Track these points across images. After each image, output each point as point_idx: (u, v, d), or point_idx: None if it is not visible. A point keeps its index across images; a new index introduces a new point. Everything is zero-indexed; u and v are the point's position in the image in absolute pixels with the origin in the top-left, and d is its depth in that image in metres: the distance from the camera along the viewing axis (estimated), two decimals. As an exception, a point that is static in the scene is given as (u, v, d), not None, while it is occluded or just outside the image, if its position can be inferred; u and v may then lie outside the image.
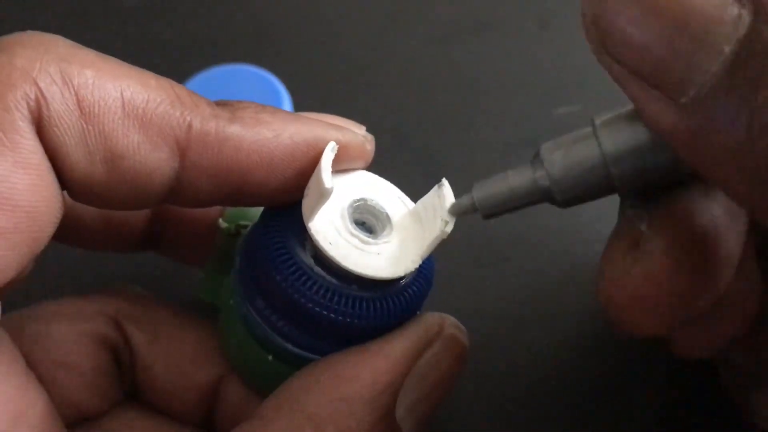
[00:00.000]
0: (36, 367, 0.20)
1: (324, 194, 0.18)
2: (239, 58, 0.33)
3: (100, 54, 0.18)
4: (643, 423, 0.25)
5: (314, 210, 0.18)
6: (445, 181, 0.20)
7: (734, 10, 0.14)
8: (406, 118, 0.33)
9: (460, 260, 0.28)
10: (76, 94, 0.17)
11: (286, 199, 0.19)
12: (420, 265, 0.20)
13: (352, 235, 0.19)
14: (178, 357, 0.22)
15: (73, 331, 0.21)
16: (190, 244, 0.24)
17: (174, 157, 0.18)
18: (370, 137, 0.21)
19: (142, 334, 0.22)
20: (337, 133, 0.20)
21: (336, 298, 0.18)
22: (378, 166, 0.32)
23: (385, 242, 0.20)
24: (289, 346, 0.19)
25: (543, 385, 0.26)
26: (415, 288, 0.20)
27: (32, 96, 0.16)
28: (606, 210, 0.29)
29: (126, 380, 0.23)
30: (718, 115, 0.14)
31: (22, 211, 0.16)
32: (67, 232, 0.21)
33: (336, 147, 0.19)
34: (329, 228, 0.19)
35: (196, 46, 0.36)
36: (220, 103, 0.19)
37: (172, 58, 0.35)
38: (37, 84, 0.16)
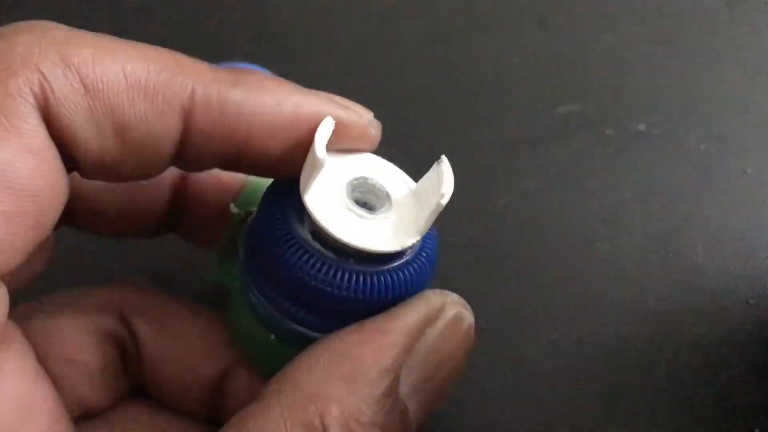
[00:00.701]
0: (43, 361, 0.20)
1: (317, 165, 0.18)
2: (239, 57, 0.33)
3: (97, 34, 0.18)
4: (646, 420, 0.25)
5: (309, 181, 0.18)
6: (443, 158, 0.20)
7: None
8: (405, 118, 0.33)
9: (460, 259, 0.28)
10: (78, 73, 0.17)
11: (289, 170, 0.19)
12: (422, 246, 0.19)
13: (349, 210, 0.19)
14: (184, 349, 0.22)
15: (79, 325, 0.21)
16: (209, 227, 0.23)
17: (179, 123, 0.18)
18: (375, 122, 0.21)
19: (147, 327, 0.22)
20: (340, 111, 0.20)
21: (332, 272, 0.18)
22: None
23: (384, 218, 0.19)
24: (291, 324, 0.19)
25: (543, 384, 0.26)
26: (416, 266, 0.19)
27: (35, 81, 0.16)
28: (607, 209, 0.29)
29: (132, 375, 0.23)
30: None
31: (25, 195, 0.16)
32: (87, 219, 0.22)
33: (334, 122, 0.19)
34: (327, 202, 0.19)
35: (196, 45, 0.35)
36: (227, 70, 0.19)
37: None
38: (39, 69, 0.17)
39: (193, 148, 0.19)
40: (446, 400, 0.20)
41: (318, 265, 0.18)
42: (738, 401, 0.24)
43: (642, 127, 0.32)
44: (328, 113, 0.19)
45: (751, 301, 0.27)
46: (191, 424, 0.22)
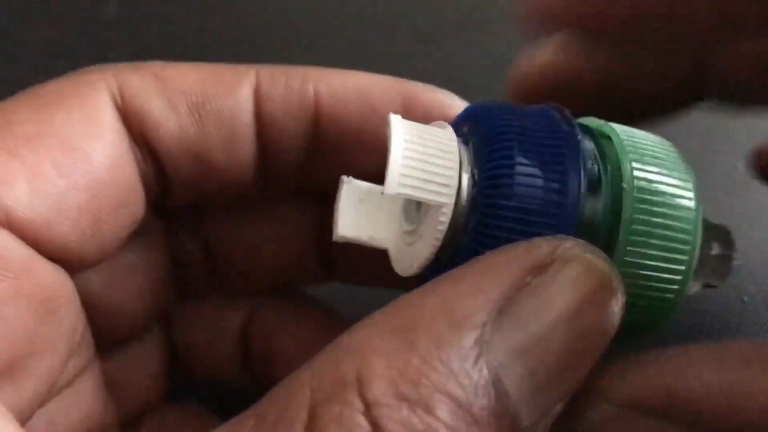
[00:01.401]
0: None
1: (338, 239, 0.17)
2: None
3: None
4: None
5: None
6: (390, 118, 0.16)
7: None
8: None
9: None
10: (149, 70, 0.18)
11: (371, 147, 0.19)
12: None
13: (401, 226, 0.17)
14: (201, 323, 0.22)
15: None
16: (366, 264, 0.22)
17: (251, 96, 0.19)
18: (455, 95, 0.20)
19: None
20: (412, 85, 0.20)
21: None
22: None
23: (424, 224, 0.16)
24: None
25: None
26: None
27: (108, 76, 0.18)
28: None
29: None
30: None
31: (77, 154, 0.17)
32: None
33: (349, 180, 0.18)
34: (390, 221, 0.18)
35: (178, 55, 0.35)
36: None
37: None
38: (111, 69, 0.18)
39: (270, 124, 0.19)
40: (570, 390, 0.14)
41: None
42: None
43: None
44: (401, 82, 0.20)
45: (745, 299, 0.26)
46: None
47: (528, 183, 0.15)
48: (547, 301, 0.13)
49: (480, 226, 0.15)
